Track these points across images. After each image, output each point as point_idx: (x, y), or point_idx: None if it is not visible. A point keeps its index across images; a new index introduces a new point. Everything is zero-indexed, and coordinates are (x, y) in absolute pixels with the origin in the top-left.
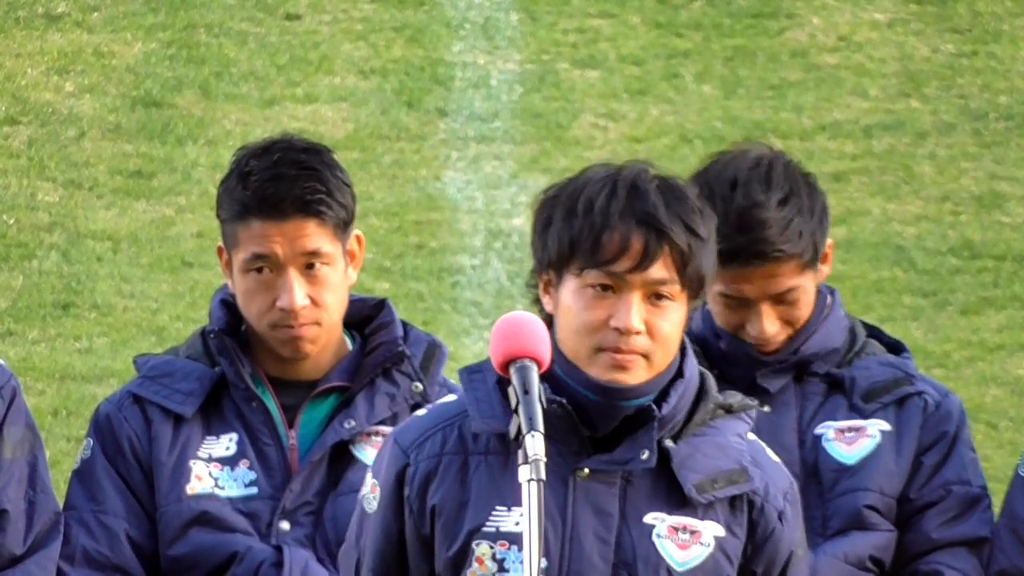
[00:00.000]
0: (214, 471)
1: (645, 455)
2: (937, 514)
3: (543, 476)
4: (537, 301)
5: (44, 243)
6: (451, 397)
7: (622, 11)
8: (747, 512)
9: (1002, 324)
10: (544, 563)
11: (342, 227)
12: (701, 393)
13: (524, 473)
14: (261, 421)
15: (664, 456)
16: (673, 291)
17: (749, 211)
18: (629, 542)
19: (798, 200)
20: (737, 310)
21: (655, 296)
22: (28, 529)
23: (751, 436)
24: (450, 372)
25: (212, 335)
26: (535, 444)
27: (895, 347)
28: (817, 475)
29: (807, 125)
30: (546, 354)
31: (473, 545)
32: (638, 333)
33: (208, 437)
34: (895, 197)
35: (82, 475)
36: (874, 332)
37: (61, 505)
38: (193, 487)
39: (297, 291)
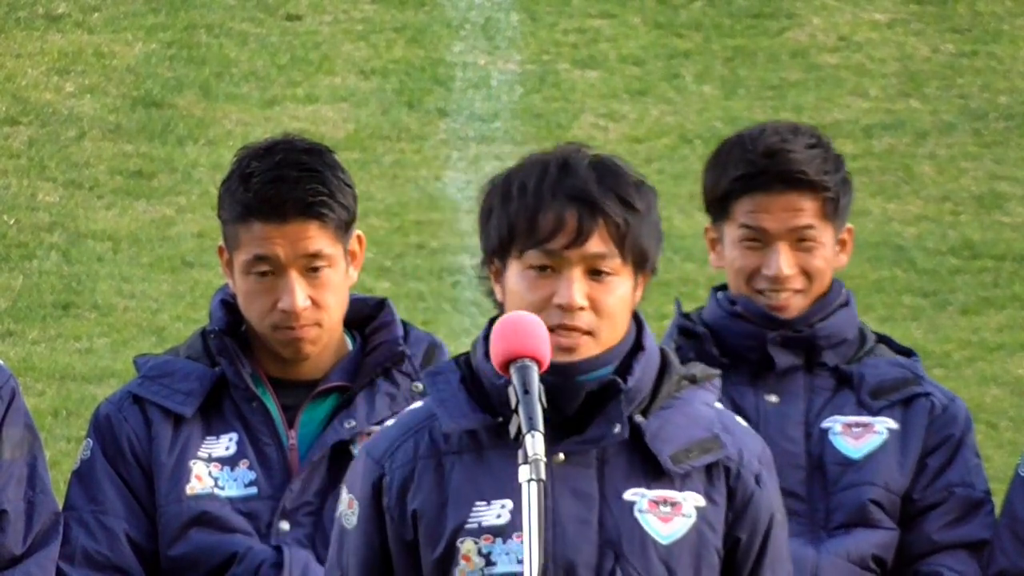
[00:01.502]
0: (214, 471)
1: (617, 428)
2: (939, 516)
3: (543, 476)
4: (491, 293)
5: (44, 243)
6: (417, 404)
7: (622, 11)
8: (724, 479)
9: (1002, 324)
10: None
11: (343, 228)
12: (664, 366)
13: (524, 473)
14: (261, 421)
15: (636, 431)
16: (614, 265)
17: (777, 143)
18: (612, 521)
19: (826, 152)
20: (755, 251)
21: (596, 272)
22: (28, 529)
23: (718, 404)
24: None
25: (212, 335)
26: (535, 444)
27: (904, 354)
28: (822, 468)
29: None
30: (546, 354)
31: (458, 543)
32: (582, 309)
33: (208, 437)
34: (895, 197)
35: (82, 475)
36: (883, 339)
37: (61, 505)
38: (193, 487)
39: (298, 293)
